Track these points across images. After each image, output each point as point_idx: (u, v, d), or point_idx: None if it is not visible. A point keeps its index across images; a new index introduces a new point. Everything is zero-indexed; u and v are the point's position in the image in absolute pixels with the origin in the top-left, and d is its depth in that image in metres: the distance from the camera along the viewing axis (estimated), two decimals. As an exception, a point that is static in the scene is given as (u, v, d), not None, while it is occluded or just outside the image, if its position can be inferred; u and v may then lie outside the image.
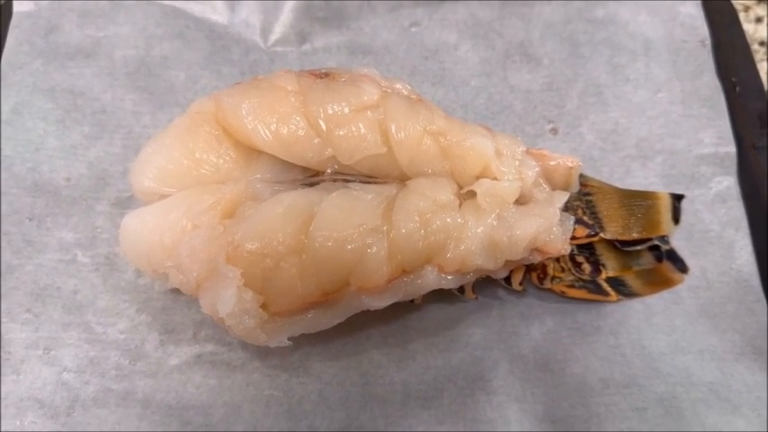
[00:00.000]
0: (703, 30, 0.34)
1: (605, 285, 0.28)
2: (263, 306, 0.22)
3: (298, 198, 0.23)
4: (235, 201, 0.24)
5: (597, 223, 0.27)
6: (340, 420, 0.26)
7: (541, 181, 0.26)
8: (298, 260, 0.22)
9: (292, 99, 0.24)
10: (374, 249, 0.22)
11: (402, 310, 0.28)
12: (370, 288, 0.22)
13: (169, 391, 0.26)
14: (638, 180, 0.31)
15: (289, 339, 0.23)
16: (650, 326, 0.28)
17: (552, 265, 0.28)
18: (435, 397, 0.26)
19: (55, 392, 0.26)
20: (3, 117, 0.31)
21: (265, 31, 0.34)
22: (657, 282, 0.28)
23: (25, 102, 0.31)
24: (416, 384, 0.27)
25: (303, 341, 0.27)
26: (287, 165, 0.25)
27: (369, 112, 0.24)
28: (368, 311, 0.24)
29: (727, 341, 0.28)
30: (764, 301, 0.29)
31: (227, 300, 0.21)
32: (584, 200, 0.28)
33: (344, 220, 0.22)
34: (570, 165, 0.26)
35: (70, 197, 0.30)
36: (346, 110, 0.24)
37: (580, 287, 0.28)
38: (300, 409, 0.26)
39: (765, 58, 0.36)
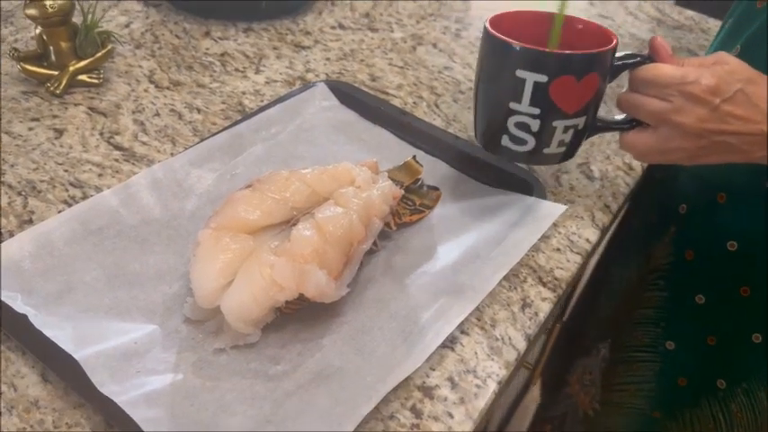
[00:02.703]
0: None
1: (419, 207, 0.55)
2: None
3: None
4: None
5: (400, 185, 0.54)
6: None
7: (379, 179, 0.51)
8: (329, 249, 0.43)
9: (258, 195, 0.44)
10: (354, 217, 0.44)
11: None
12: (362, 239, 0.44)
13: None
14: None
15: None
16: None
17: (398, 209, 0.53)
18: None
19: None
20: None
21: None
22: (432, 198, 0.56)
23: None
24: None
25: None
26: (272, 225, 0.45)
27: (300, 183, 0.46)
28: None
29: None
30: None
31: (322, 278, 0.41)
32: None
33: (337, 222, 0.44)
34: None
35: None
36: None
37: (412, 213, 0.54)
38: None
39: None
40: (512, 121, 0.50)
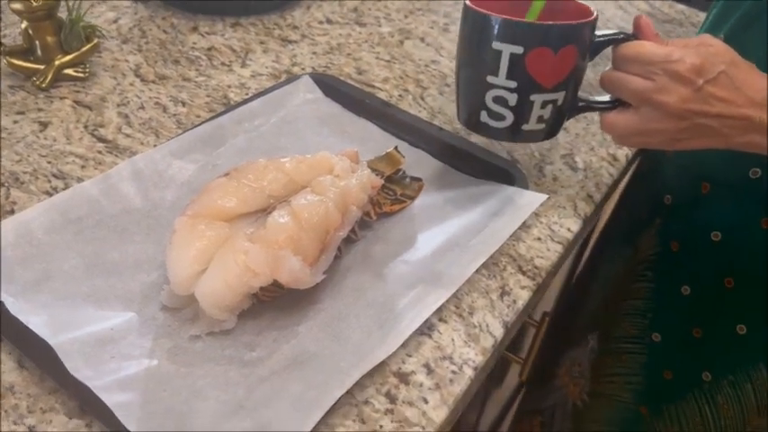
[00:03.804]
0: None
1: (400, 197, 0.55)
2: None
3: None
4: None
5: (381, 175, 0.54)
6: None
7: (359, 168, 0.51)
8: (304, 236, 0.43)
9: (235, 183, 0.45)
10: (330, 205, 0.44)
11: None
12: (338, 226, 0.45)
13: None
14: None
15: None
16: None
17: (379, 199, 0.53)
18: None
19: None
20: None
21: None
22: (414, 188, 0.56)
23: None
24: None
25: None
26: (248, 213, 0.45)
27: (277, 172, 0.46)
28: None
29: None
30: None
31: (296, 264, 0.41)
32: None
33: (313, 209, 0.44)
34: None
35: None
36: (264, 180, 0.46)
37: (393, 203, 0.54)
38: None
39: None
40: (489, 95, 0.50)
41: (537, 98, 0.49)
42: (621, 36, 0.49)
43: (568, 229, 0.55)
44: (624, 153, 0.65)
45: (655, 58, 0.46)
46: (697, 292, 0.65)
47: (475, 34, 0.50)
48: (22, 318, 0.40)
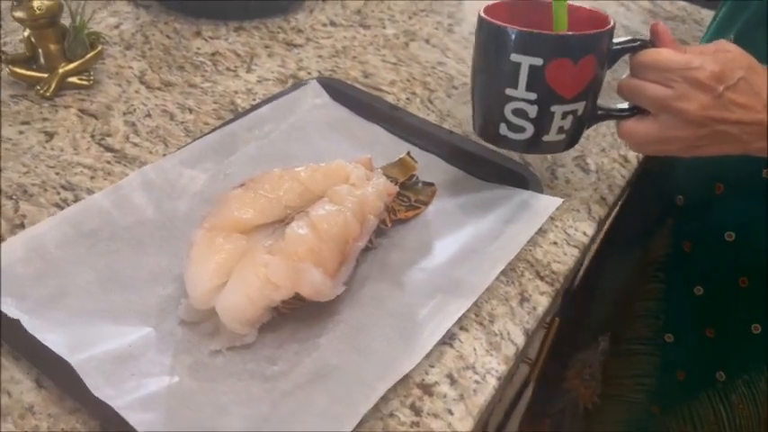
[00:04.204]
0: None
1: (415, 204, 0.54)
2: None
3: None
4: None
5: (395, 181, 0.53)
6: None
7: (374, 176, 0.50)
8: (324, 247, 0.42)
9: (251, 194, 0.44)
10: (349, 214, 0.44)
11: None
12: (357, 236, 0.44)
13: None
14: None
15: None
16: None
17: (393, 206, 0.52)
18: None
19: None
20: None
21: None
22: (428, 194, 0.56)
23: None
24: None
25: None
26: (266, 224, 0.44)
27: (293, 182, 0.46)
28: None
29: None
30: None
31: (317, 276, 0.40)
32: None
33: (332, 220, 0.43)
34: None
35: None
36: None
37: (408, 209, 0.53)
38: None
39: None
40: (509, 108, 0.49)
41: (557, 109, 0.49)
42: (639, 43, 0.49)
43: (584, 233, 0.55)
44: (635, 155, 0.65)
45: (674, 65, 0.46)
46: (710, 291, 0.65)
47: (491, 46, 0.49)
48: (39, 335, 0.40)
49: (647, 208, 0.72)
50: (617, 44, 0.49)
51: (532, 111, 0.49)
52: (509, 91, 0.48)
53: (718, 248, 0.63)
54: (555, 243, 0.54)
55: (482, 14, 0.49)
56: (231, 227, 0.43)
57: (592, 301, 0.84)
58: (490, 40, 0.49)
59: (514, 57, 0.47)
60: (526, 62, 0.46)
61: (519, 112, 0.49)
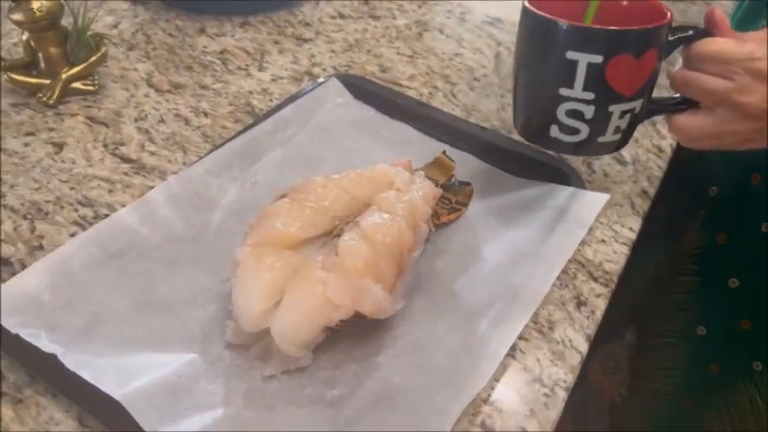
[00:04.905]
0: None
1: (455, 205, 0.51)
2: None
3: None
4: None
5: (436, 183, 0.51)
6: None
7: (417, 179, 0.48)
8: (381, 260, 0.39)
9: (296, 205, 0.41)
10: (402, 223, 0.41)
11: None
12: (411, 246, 0.41)
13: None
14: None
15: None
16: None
17: (436, 209, 0.50)
18: None
19: None
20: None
21: None
22: (466, 194, 0.53)
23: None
24: None
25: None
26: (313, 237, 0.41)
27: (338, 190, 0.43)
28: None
29: None
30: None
31: (379, 293, 0.38)
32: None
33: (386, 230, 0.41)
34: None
35: None
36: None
37: (450, 212, 0.51)
38: None
39: None
40: (562, 108, 0.46)
41: (615, 108, 0.46)
42: (696, 32, 0.46)
43: (630, 229, 0.53)
44: (669, 143, 0.63)
45: (735, 56, 0.43)
46: (746, 284, 0.63)
47: (542, 42, 0.46)
48: (80, 371, 0.36)
49: (677, 200, 0.70)
50: (673, 36, 0.46)
51: (589, 111, 0.45)
52: (563, 91, 0.45)
53: (753, 240, 0.61)
54: (603, 241, 0.52)
55: (527, 6, 0.46)
56: (278, 242, 0.40)
57: (617, 294, 0.83)
58: (540, 35, 0.46)
59: (571, 54, 0.44)
60: (584, 60, 0.43)
61: (573, 113, 0.46)
